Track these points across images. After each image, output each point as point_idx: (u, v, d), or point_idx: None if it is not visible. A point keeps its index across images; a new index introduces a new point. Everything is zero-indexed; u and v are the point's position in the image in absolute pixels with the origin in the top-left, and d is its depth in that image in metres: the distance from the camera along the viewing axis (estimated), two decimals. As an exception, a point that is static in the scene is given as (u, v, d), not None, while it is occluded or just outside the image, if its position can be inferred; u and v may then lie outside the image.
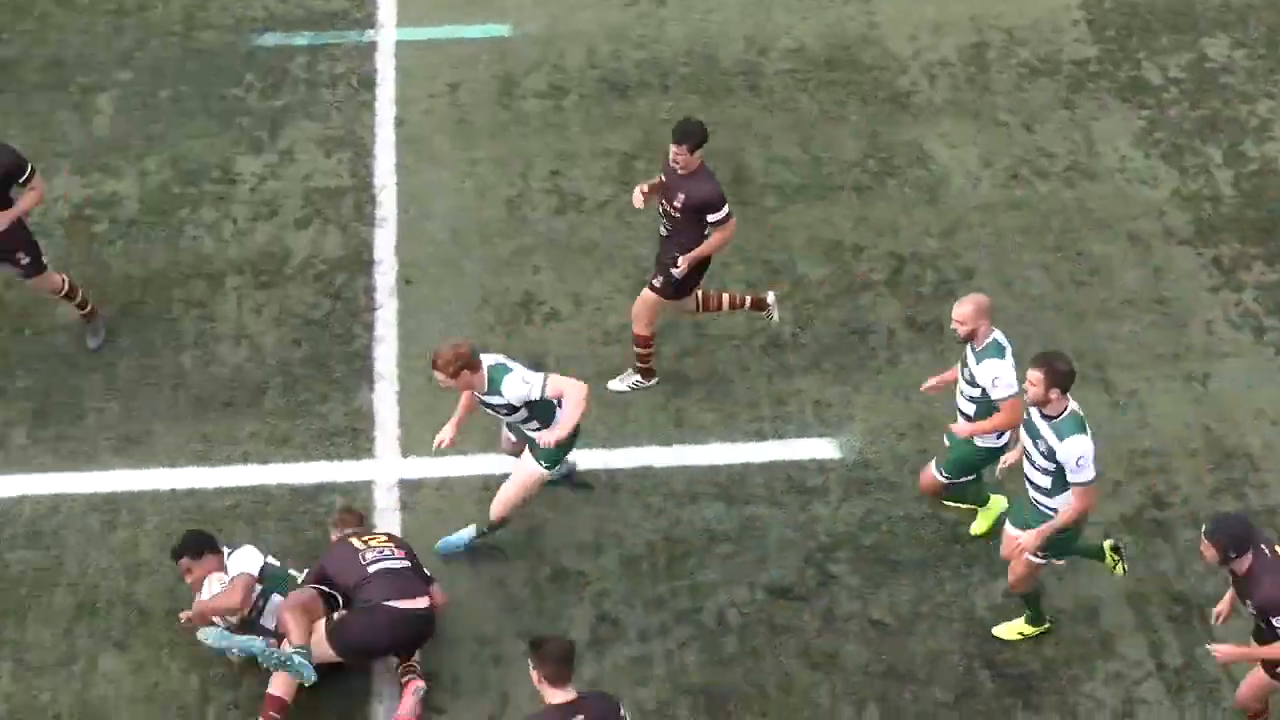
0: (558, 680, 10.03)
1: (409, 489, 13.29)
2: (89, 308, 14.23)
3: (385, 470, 13.43)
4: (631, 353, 14.02)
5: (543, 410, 12.19)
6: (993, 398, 11.88)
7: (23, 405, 13.81)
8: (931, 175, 16.16)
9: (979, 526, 12.93)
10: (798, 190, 15.99)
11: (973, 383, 12.02)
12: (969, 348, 12.04)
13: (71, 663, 12.07)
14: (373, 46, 17.56)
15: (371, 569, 11.68)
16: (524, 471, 12.43)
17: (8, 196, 13.46)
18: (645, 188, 13.64)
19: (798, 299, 14.91)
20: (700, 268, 13.58)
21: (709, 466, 13.53)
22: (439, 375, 12.04)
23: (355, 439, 13.65)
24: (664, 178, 13.43)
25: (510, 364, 12.17)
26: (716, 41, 17.67)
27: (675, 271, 13.42)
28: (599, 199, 15.87)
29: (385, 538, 12.01)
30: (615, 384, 14.05)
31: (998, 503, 12.81)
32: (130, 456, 13.41)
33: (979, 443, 12.19)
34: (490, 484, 13.25)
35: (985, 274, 15.14)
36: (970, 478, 12.54)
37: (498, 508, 12.52)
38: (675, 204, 13.30)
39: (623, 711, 10.25)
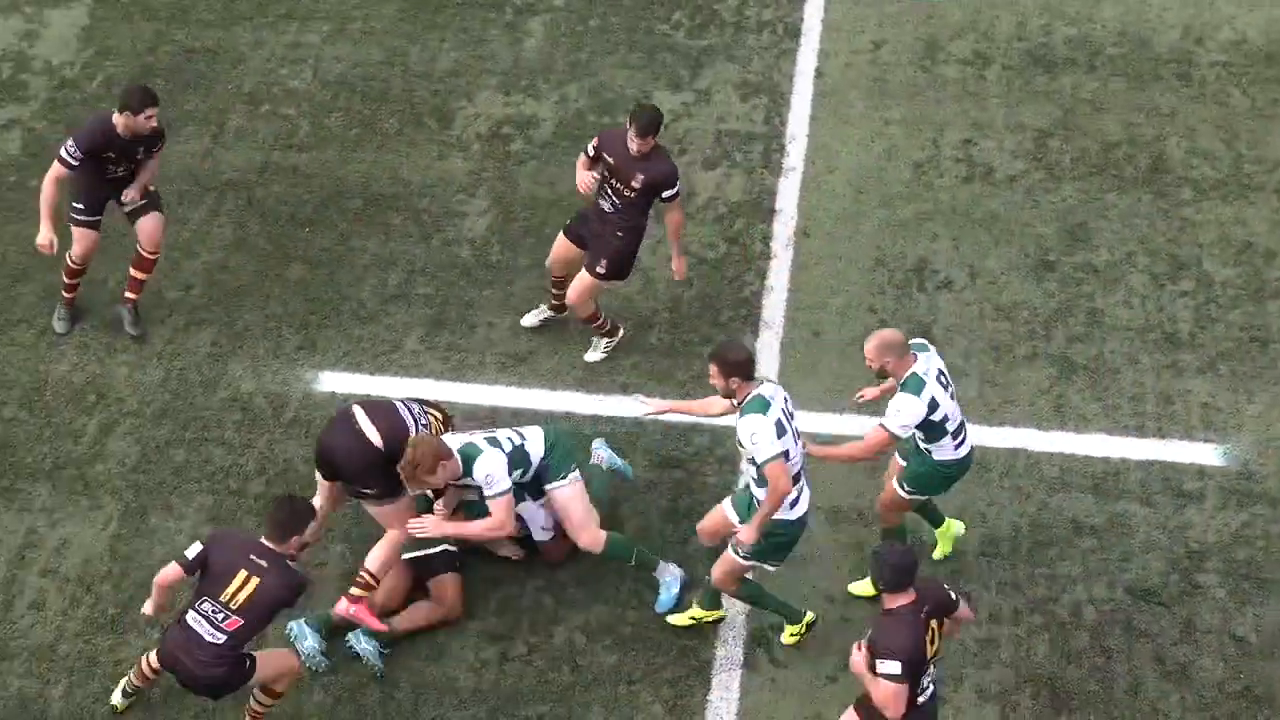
0: (271, 536, 10.77)
1: (779, 440, 13.31)
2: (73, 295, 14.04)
3: (758, 418, 13.48)
4: (587, 327, 13.78)
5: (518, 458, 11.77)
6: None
7: (421, 312, 14.28)
8: (1362, 186, 15.46)
9: (941, 549, 12.50)
10: (1215, 186, 15.45)
11: None
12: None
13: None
14: (803, -2, 17.61)
15: None
16: (575, 492, 12.00)
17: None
18: (587, 177, 13.29)
19: (1200, 298, 14.43)
20: (637, 248, 13.37)
21: (1084, 457, 13.22)
22: (424, 481, 11.42)
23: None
24: (611, 159, 13.06)
25: (479, 444, 11.59)
26: (1153, 25, 17.15)
27: (617, 258, 13.28)
28: (1009, 173, 15.60)
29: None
30: (591, 356, 13.76)
31: (953, 524, 12.44)
32: (513, 374, 13.76)
33: (937, 457, 11.71)
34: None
35: (1406, 295, 14.44)
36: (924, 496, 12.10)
37: (587, 541, 11.98)
38: (633, 184, 13.02)
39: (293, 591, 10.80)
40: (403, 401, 12.04)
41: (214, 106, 16.16)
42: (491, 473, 11.53)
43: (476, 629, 12.07)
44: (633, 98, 16.31)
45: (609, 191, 13.24)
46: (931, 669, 10.41)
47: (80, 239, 13.72)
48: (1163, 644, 12.06)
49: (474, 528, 11.72)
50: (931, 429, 11.60)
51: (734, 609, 12.18)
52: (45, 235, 13.41)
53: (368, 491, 11.69)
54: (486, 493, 11.56)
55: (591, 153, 13.25)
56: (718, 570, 11.74)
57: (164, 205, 13.92)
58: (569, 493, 11.94)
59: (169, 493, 12.83)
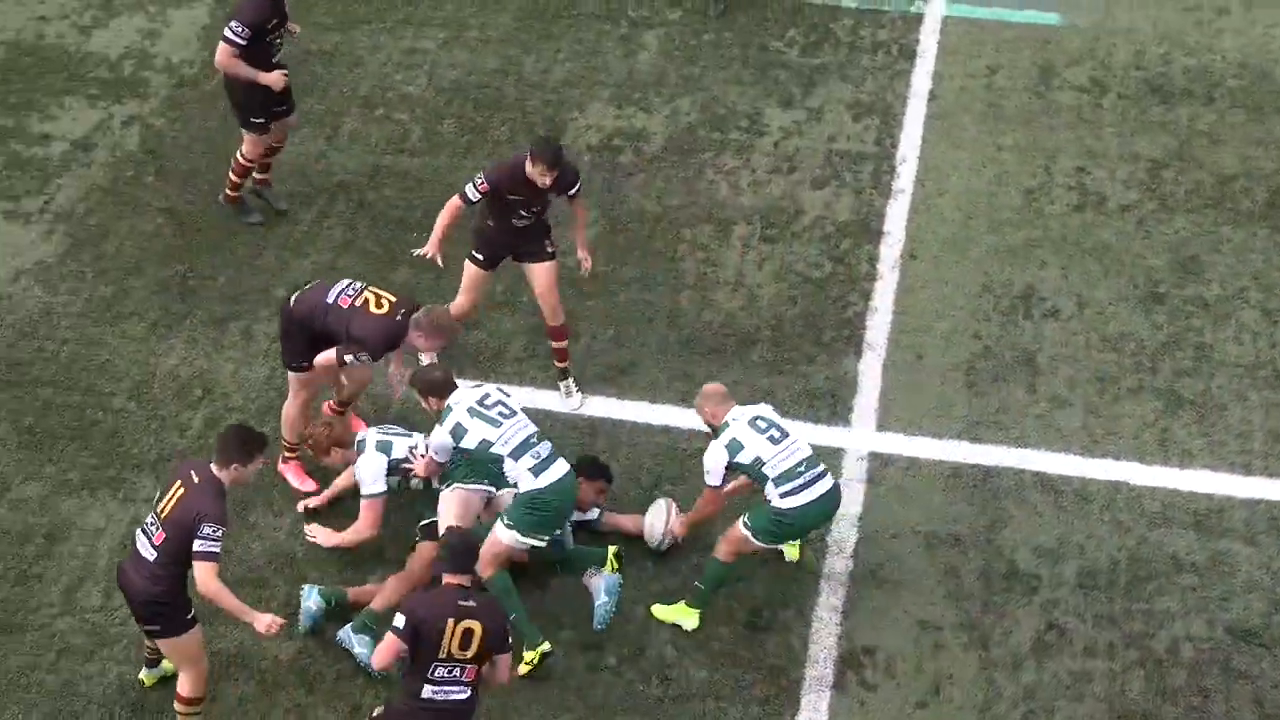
0: (215, 459, 10.83)
1: (878, 463, 13.26)
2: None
3: (858, 440, 13.43)
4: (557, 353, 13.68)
5: None
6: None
7: (526, 320, 14.31)
8: None
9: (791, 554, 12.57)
10: (1333, 223, 15.29)
11: None
12: None
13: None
14: (919, 19, 17.51)
15: None
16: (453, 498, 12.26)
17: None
18: (442, 237, 13.17)
19: (1313, 336, 14.28)
20: None
21: (1187, 492, 13.07)
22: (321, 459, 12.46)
23: (834, 405, 13.68)
24: (520, 195, 12.96)
25: (379, 442, 12.19)
26: (1275, 57, 16.97)
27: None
28: (1121, 202, 15.47)
29: None
30: (575, 402, 13.61)
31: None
32: (614, 385, 13.77)
33: (771, 503, 11.79)
34: (961, 471, 13.15)
35: None
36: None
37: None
38: (548, 198, 13.13)
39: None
40: (350, 282, 12.55)
41: (329, 109, 16.31)
42: (364, 475, 12.10)
43: (567, 638, 12.09)
44: (744, 113, 16.32)
45: (521, 212, 13.11)
46: (457, 671, 10.37)
47: (259, 144, 14.67)
48: (1263, 686, 11.89)
49: (344, 536, 12.27)
50: (749, 472, 11.83)
51: (822, 630, 12.15)
52: (269, 76, 14.29)
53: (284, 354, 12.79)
54: (361, 490, 12.15)
55: (478, 196, 12.99)
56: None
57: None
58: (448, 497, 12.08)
59: (271, 488, 12.94)
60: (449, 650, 10.34)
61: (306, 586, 12.02)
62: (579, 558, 12.39)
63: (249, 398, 13.63)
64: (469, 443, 11.75)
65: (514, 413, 11.90)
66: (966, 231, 15.19)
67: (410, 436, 12.29)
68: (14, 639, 11.96)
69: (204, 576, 10.60)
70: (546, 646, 11.80)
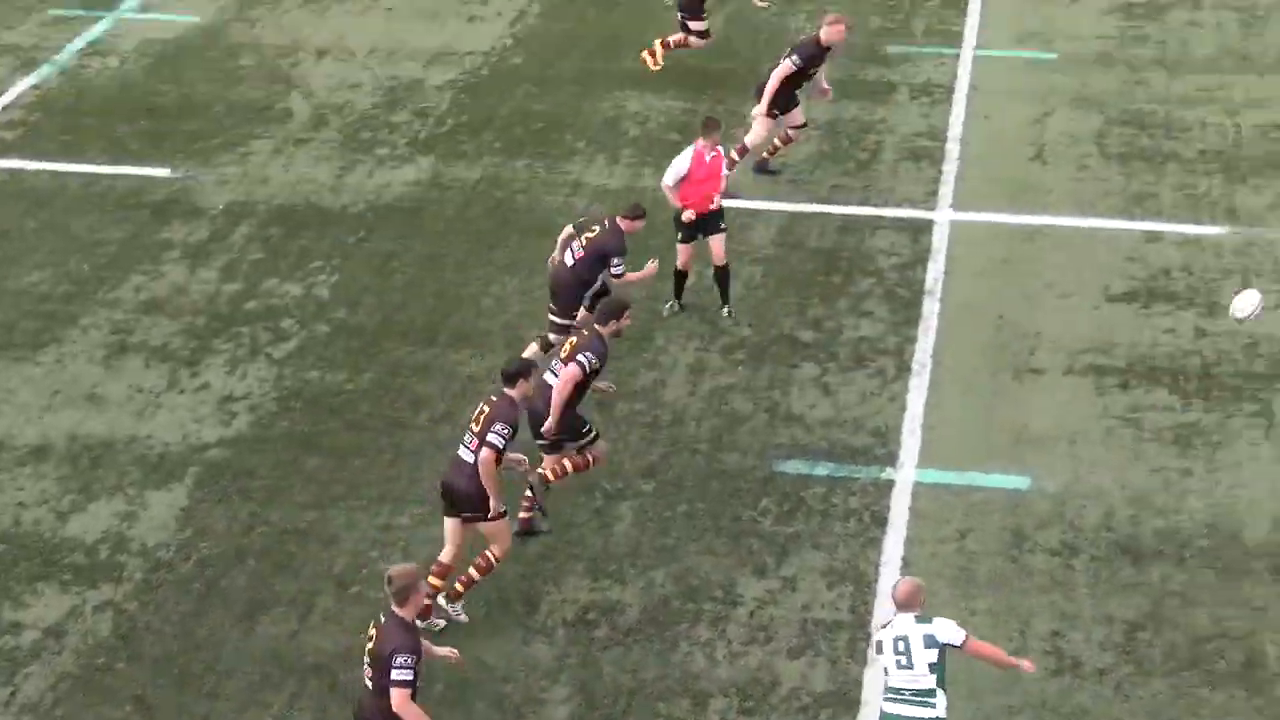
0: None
1: None
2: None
3: None
4: None
5: None
6: None
7: None
8: None
9: None
10: (1313, 680, 15.15)
11: None
12: None
13: None
14: (889, 485, 17.69)
15: None
16: None
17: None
18: None
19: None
20: None
21: None
22: None
23: None
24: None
25: None
26: (1242, 519, 17.08)
27: None
28: (1097, 665, 15.38)
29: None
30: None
31: None
32: None
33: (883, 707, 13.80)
34: None
35: None
36: None
37: None
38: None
39: None
40: None
41: (302, 588, 16.32)
42: None
43: None
44: (718, 584, 16.36)
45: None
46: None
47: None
48: None
49: None
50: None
51: None
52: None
53: None
54: None
55: None
56: None
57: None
58: None
59: None
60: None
61: None
62: None
63: None
64: None
65: None
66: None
67: None
68: None
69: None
70: None
